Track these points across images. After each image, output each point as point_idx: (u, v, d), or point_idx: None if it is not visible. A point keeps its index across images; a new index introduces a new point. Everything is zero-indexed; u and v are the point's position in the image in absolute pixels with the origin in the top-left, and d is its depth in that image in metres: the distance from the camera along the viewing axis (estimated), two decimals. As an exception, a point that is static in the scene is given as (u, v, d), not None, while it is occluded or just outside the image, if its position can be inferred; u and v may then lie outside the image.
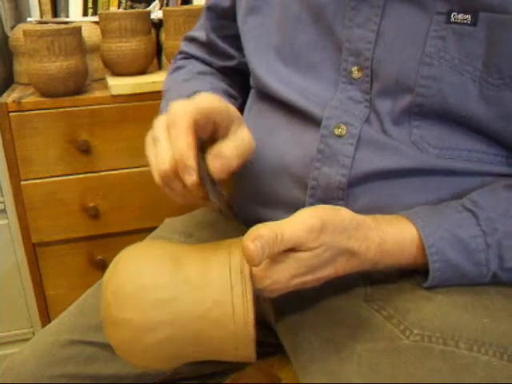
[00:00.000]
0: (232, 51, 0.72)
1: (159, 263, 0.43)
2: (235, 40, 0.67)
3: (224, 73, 0.74)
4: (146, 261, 0.44)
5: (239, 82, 0.74)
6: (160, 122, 0.46)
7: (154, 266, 0.43)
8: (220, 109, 0.46)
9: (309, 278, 0.43)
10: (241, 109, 0.72)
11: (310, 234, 0.41)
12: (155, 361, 0.42)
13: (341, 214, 0.44)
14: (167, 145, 0.43)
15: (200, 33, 0.74)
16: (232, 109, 0.48)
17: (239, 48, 0.67)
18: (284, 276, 0.42)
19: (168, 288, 0.41)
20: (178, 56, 0.79)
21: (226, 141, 0.46)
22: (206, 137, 0.47)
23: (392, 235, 0.46)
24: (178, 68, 0.75)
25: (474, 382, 0.39)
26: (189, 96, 0.60)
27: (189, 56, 0.77)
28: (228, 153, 0.44)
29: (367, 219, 0.46)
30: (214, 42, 0.72)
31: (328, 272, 0.44)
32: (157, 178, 0.45)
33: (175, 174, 0.43)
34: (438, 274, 0.45)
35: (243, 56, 0.67)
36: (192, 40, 0.77)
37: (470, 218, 0.46)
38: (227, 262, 0.42)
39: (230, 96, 0.69)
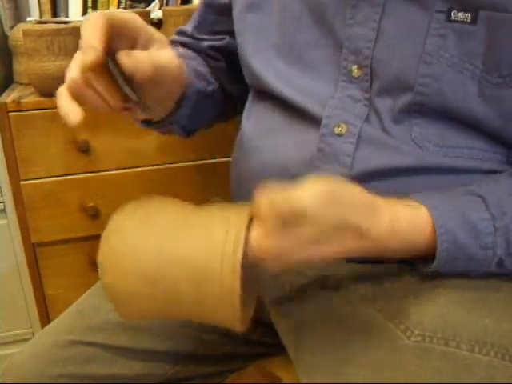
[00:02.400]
0: (220, 37, 0.72)
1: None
2: (228, 35, 0.66)
3: (208, 55, 0.73)
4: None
5: (224, 68, 0.73)
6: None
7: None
8: (141, 24, 0.46)
9: (313, 250, 0.41)
10: (213, 95, 0.69)
11: (317, 202, 0.39)
12: (136, 280, 0.42)
13: (348, 187, 0.42)
14: (78, 56, 0.43)
15: (188, 27, 0.74)
16: (157, 34, 0.48)
17: (230, 45, 0.66)
18: (288, 244, 0.40)
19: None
20: None
21: (143, 48, 0.46)
22: (121, 49, 0.45)
23: (404, 212, 0.44)
24: None
25: (475, 383, 0.39)
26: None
27: (177, 44, 0.76)
28: (139, 54, 0.44)
29: (376, 197, 0.44)
30: (196, 36, 0.72)
31: (334, 248, 0.41)
32: (64, 91, 0.44)
33: (85, 82, 0.43)
34: (445, 254, 0.45)
35: (233, 48, 0.66)
36: (180, 33, 0.76)
37: (479, 202, 0.45)
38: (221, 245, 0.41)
39: (201, 78, 0.67)
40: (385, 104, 0.50)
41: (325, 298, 0.52)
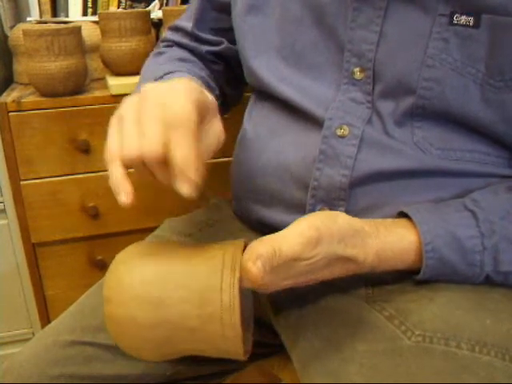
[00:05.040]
0: (219, 39, 0.71)
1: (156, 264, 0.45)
2: (227, 33, 0.66)
3: (207, 59, 0.72)
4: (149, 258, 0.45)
5: (221, 71, 0.73)
6: (130, 103, 0.43)
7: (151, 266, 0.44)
8: (202, 102, 0.43)
9: (302, 279, 0.44)
10: (217, 99, 0.71)
11: (307, 247, 0.41)
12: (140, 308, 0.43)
13: (338, 223, 0.44)
14: (136, 129, 0.41)
15: (186, 23, 0.72)
16: (209, 97, 0.46)
17: (231, 41, 0.66)
18: (276, 277, 0.42)
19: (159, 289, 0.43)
20: (161, 44, 0.77)
21: (202, 142, 0.43)
22: None
23: (391, 243, 0.46)
24: (159, 53, 0.73)
25: (476, 383, 0.39)
26: (161, 76, 0.57)
27: (172, 43, 0.75)
28: (203, 151, 0.43)
29: (366, 226, 0.45)
30: (198, 34, 0.71)
31: (322, 275, 0.44)
32: (116, 160, 0.42)
33: (142, 163, 0.41)
34: (429, 269, 0.46)
35: (233, 46, 0.66)
36: (177, 29, 0.74)
37: (470, 218, 0.46)
38: (220, 264, 0.43)
39: (207, 86, 0.66)
40: (387, 107, 0.50)
41: (325, 299, 0.52)
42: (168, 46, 0.75)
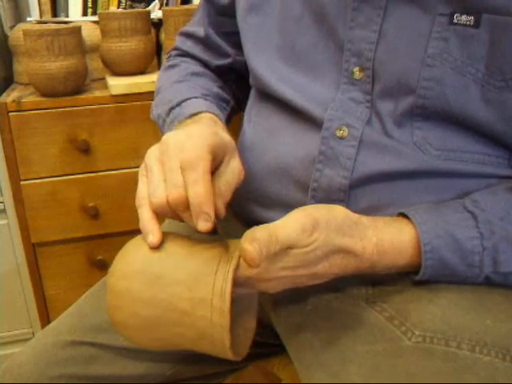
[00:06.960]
0: (228, 48, 0.72)
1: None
2: (233, 37, 0.66)
3: (219, 72, 0.73)
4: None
5: (234, 82, 0.74)
6: (153, 152, 0.47)
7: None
8: (218, 144, 0.46)
9: (300, 271, 0.43)
10: (233, 109, 0.72)
11: (303, 233, 0.42)
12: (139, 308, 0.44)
13: (334, 212, 0.44)
14: (161, 177, 0.44)
15: (197, 28, 0.73)
16: (226, 139, 0.48)
17: (236, 45, 0.66)
18: (274, 266, 0.42)
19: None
20: (173, 52, 0.78)
21: (220, 177, 0.46)
22: None
23: (389, 235, 0.46)
24: (172, 66, 0.74)
25: (476, 383, 0.39)
26: (178, 103, 0.60)
27: (184, 53, 0.76)
28: (224, 190, 0.46)
29: (363, 218, 0.46)
30: (211, 37, 0.72)
31: (322, 268, 0.44)
32: (145, 209, 0.45)
33: (169, 208, 0.44)
34: (429, 270, 0.46)
35: (239, 54, 0.67)
36: (188, 36, 0.75)
37: (470, 219, 0.46)
38: (218, 253, 0.44)
39: (221, 100, 0.68)
40: (386, 106, 0.50)
41: (325, 299, 0.52)
42: (179, 56, 0.76)
